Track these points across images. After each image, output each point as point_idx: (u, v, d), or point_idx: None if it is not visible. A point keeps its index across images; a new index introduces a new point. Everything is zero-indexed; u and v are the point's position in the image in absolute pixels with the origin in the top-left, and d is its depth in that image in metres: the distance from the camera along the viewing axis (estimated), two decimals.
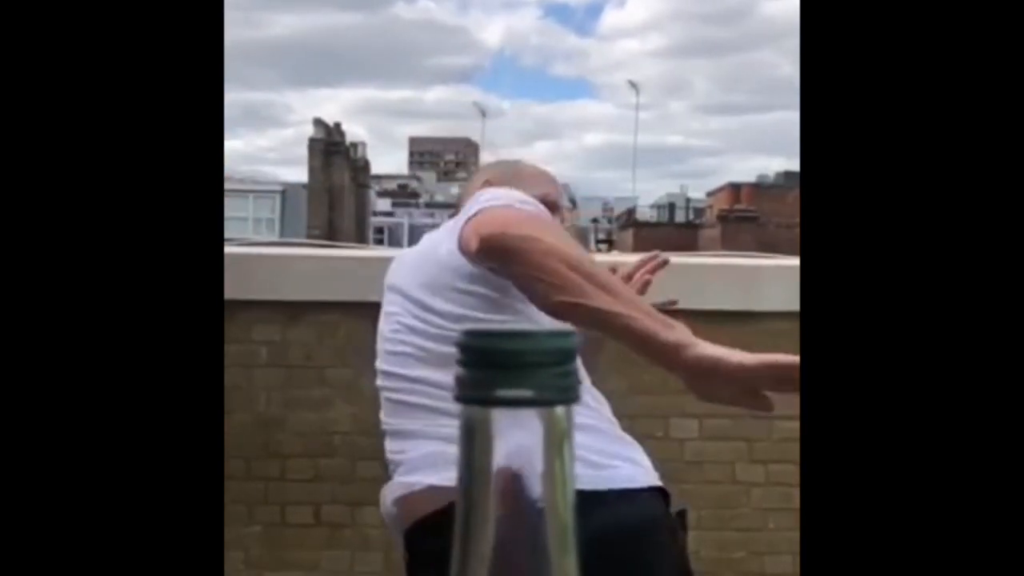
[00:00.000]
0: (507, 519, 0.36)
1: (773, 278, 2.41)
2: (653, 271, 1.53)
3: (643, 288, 1.52)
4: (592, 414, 1.39)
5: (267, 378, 2.27)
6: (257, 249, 2.88)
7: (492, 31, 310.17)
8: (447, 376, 1.45)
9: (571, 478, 0.36)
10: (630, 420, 1.63)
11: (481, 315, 1.39)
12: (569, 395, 0.36)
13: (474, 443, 0.36)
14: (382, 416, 1.45)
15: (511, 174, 1.64)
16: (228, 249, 1.73)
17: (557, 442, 0.36)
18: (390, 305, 1.47)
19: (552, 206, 1.54)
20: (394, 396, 1.44)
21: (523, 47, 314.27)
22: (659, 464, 1.50)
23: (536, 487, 0.36)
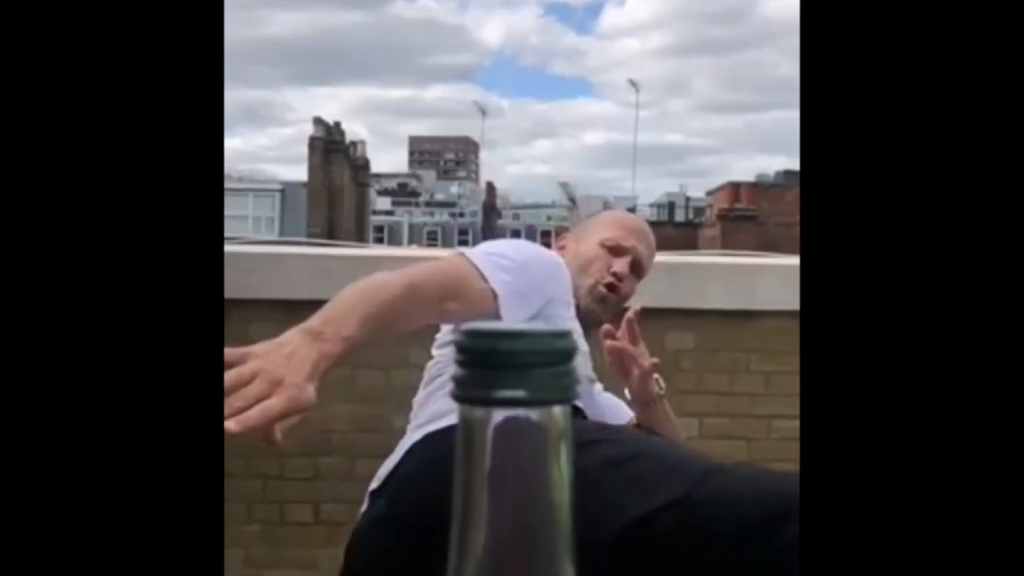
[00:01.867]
0: (504, 518, 0.36)
1: (772, 277, 2.42)
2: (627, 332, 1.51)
3: (632, 336, 1.50)
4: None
5: None
6: (257, 248, 2.88)
7: (492, 30, 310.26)
8: (418, 397, 1.50)
9: (569, 477, 0.36)
10: None
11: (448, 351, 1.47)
12: (566, 394, 0.36)
13: (472, 443, 0.36)
14: None
15: (587, 220, 1.76)
16: (228, 248, 1.73)
17: (554, 441, 0.36)
18: None
19: (613, 250, 1.60)
20: None
21: (523, 46, 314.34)
22: None
23: (533, 486, 0.36)
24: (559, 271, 1.48)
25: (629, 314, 1.49)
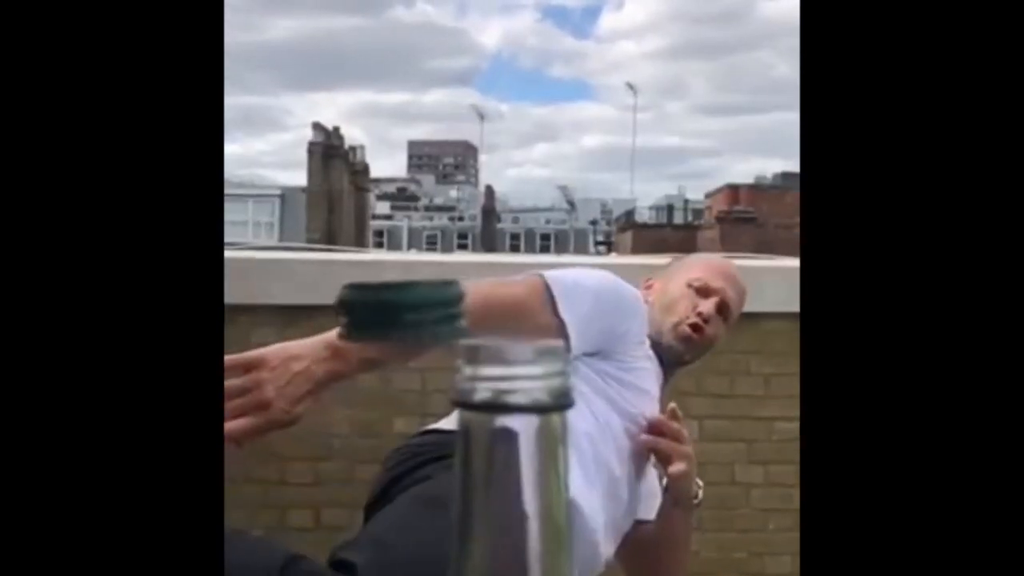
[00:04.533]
0: (501, 523, 0.36)
1: (771, 279, 2.42)
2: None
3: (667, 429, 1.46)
4: None
5: None
6: (256, 253, 2.88)
7: (490, 33, 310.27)
8: None
9: (565, 483, 0.36)
10: None
11: None
12: (564, 401, 0.36)
13: (471, 448, 0.36)
14: None
15: (678, 262, 1.73)
16: (227, 253, 1.73)
17: (552, 447, 0.36)
18: None
19: (700, 290, 1.57)
20: None
21: (521, 49, 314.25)
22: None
23: (531, 491, 0.36)
24: (637, 308, 1.47)
25: (672, 404, 1.47)
